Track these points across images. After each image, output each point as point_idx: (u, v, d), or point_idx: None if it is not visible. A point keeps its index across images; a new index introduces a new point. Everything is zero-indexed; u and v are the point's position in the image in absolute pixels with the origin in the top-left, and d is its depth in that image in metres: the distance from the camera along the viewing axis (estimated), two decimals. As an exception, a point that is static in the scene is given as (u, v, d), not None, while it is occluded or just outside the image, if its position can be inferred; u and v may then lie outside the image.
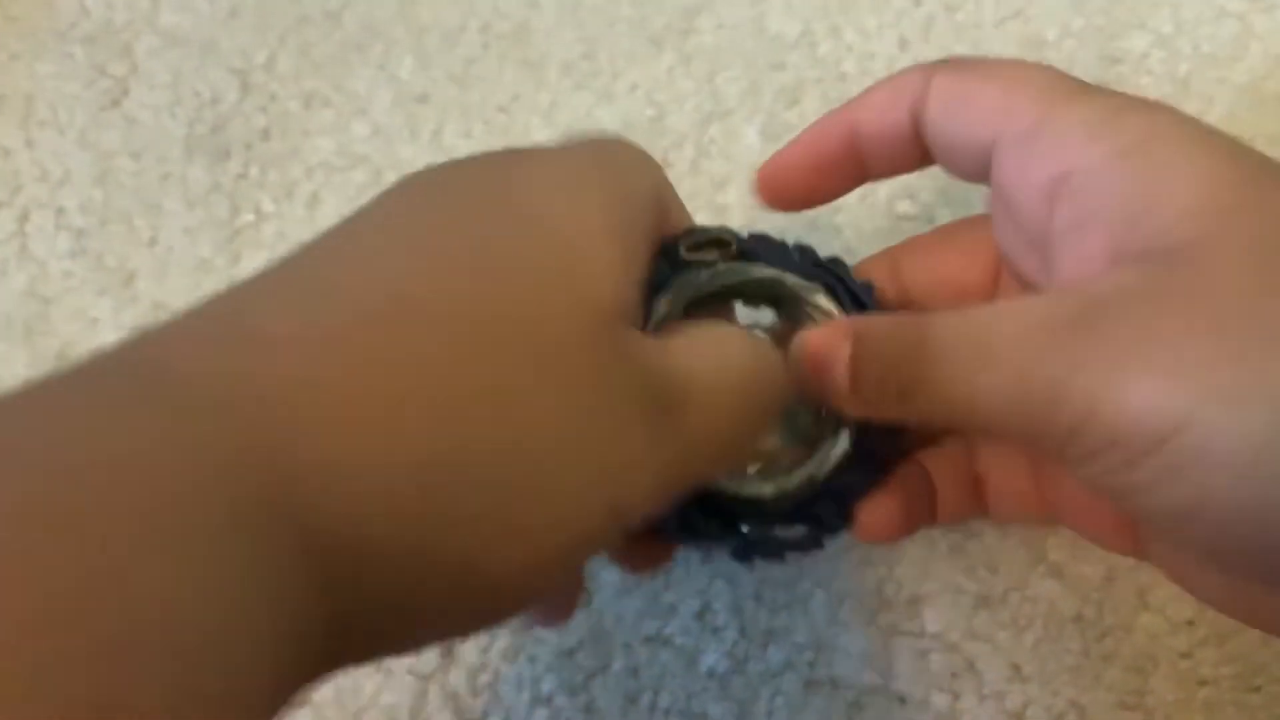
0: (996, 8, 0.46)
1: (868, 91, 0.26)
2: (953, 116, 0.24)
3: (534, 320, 0.18)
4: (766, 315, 0.29)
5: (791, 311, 0.28)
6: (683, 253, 0.26)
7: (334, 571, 0.15)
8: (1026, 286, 0.26)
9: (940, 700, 0.32)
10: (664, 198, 0.25)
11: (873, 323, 0.23)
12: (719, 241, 0.27)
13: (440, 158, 0.23)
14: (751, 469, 0.27)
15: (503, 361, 0.18)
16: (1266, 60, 0.44)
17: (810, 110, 0.44)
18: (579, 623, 0.33)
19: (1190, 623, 0.32)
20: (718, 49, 0.48)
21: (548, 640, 0.33)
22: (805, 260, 0.28)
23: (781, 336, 0.27)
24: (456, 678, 0.33)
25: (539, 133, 0.44)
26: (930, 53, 0.45)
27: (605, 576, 0.34)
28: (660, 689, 0.32)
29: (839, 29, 0.47)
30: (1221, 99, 0.43)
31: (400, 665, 0.33)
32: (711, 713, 0.32)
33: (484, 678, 0.33)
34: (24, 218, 0.45)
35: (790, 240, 0.28)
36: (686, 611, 0.33)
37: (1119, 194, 0.20)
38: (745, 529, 0.26)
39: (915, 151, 0.26)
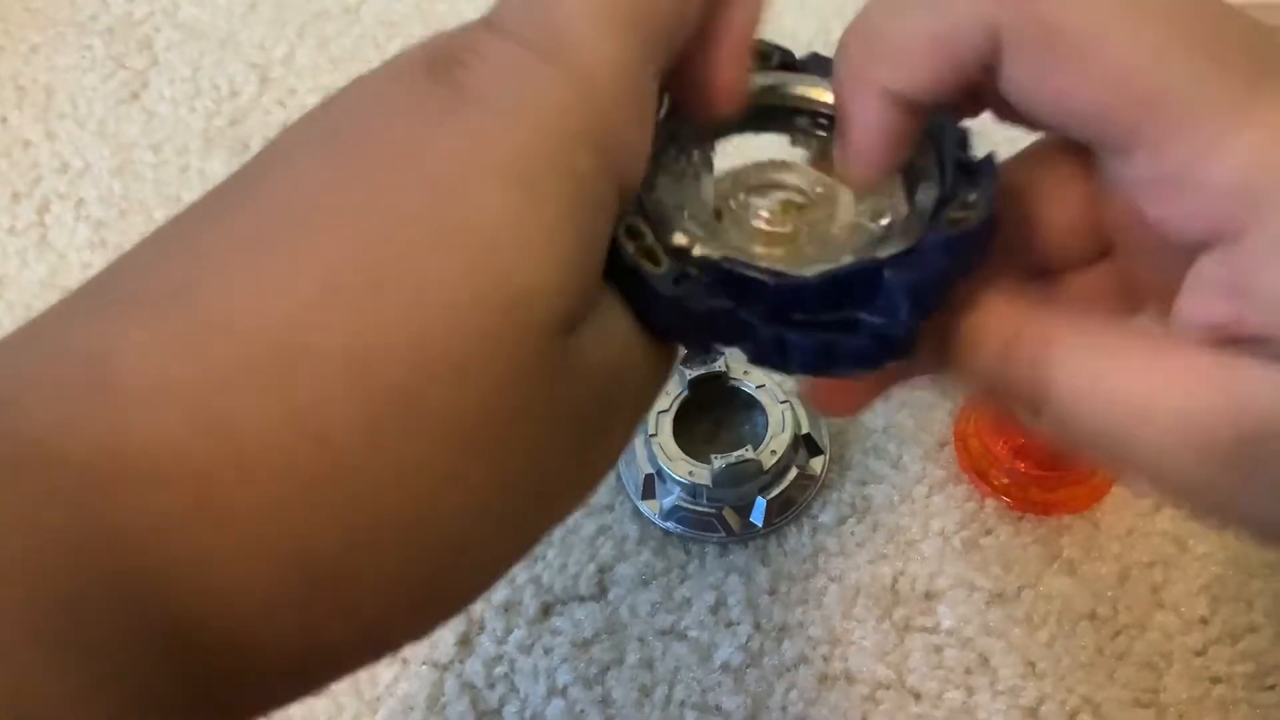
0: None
1: (876, 40, 0.19)
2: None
3: (455, 352, 0.15)
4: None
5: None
6: None
7: (201, 670, 0.14)
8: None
9: (954, 696, 0.32)
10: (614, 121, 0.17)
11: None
12: (757, 54, 0.21)
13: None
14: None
15: (423, 424, 0.15)
16: None
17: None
18: (594, 616, 0.34)
19: (1204, 621, 0.32)
20: (734, 47, 0.48)
21: (564, 632, 0.33)
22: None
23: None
24: (473, 668, 0.33)
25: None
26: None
27: (622, 570, 0.34)
28: (675, 682, 0.33)
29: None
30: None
31: (417, 656, 0.33)
32: (726, 706, 0.32)
33: (500, 669, 0.33)
34: (44, 209, 0.45)
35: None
36: (701, 605, 0.34)
37: None
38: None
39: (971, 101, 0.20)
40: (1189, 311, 0.18)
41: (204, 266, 0.15)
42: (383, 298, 0.15)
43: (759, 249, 0.20)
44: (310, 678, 0.16)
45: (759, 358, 0.19)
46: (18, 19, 0.52)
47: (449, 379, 0.15)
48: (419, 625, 0.17)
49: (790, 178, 0.22)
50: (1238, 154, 0.16)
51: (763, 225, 0.21)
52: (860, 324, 0.18)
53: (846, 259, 0.19)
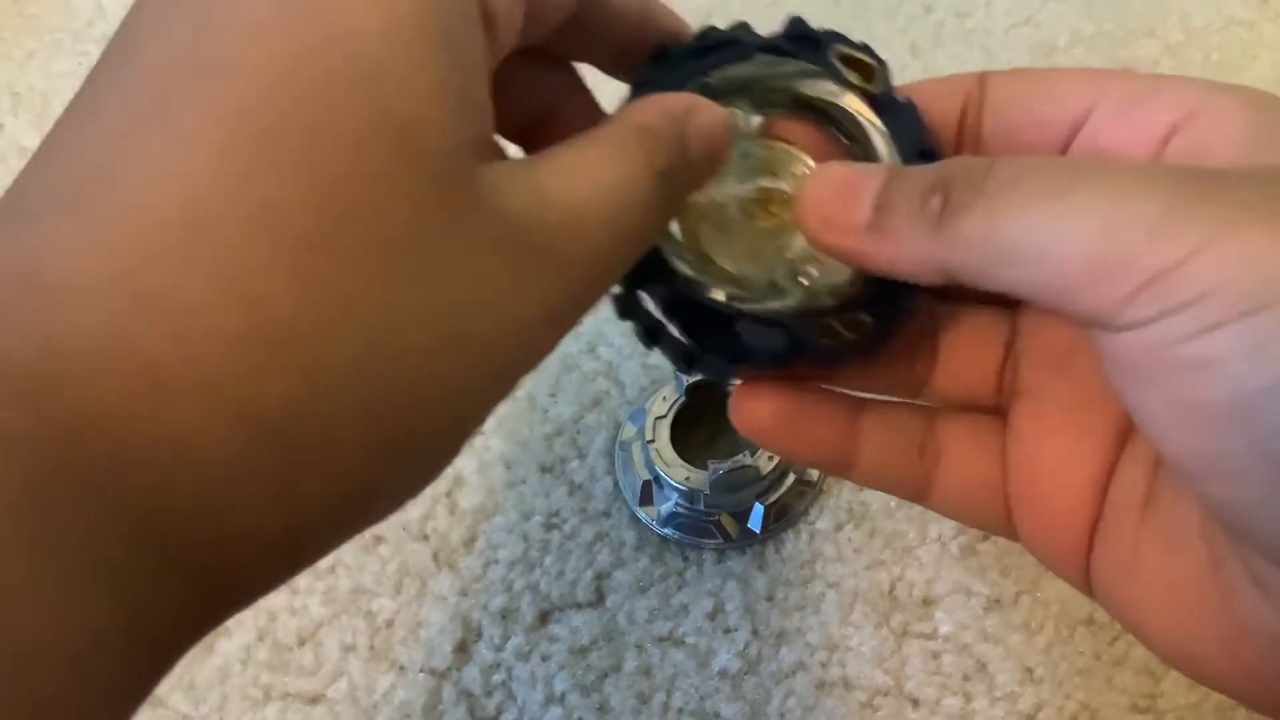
0: (1007, 14, 0.46)
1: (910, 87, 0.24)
2: (1028, 99, 0.23)
3: (369, 203, 0.15)
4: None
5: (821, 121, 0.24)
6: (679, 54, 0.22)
7: (185, 551, 0.14)
8: None
9: (952, 702, 0.32)
10: None
11: (914, 168, 0.21)
12: (731, 41, 0.23)
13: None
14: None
15: (345, 261, 0.15)
16: (1275, 68, 0.44)
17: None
18: (591, 623, 0.34)
19: (1201, 626, 0.32)
20: (730, 53, 0.48)
21: (561, 639, 0.33)
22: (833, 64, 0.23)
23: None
24: (470, 675, 0.33)
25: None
26: (942, 59, 0.45)
27: (619, 577, 0.34)
28: (673, 689, 0.33)
29: (849, 34, 0.47)
30: (1231, 107, 0.43)
31: (414, 663, 0.33)
32: (724, 713, 0.32)
33: (497, 676, 0.33)
34: (39, 216, 0.45)
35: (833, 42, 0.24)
36: (699, 612, 0.34)
37: (1245, 130, 0.19)
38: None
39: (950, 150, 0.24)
40: None
41: (107, 153, 0.15)
42: (278, 151, 0.15)
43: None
44: (299, 550, 0.16)
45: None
46: (13, 25, 0.51)
47: (357, 218, 0.15)
48: (401, 478, 0.17)
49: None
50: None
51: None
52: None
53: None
